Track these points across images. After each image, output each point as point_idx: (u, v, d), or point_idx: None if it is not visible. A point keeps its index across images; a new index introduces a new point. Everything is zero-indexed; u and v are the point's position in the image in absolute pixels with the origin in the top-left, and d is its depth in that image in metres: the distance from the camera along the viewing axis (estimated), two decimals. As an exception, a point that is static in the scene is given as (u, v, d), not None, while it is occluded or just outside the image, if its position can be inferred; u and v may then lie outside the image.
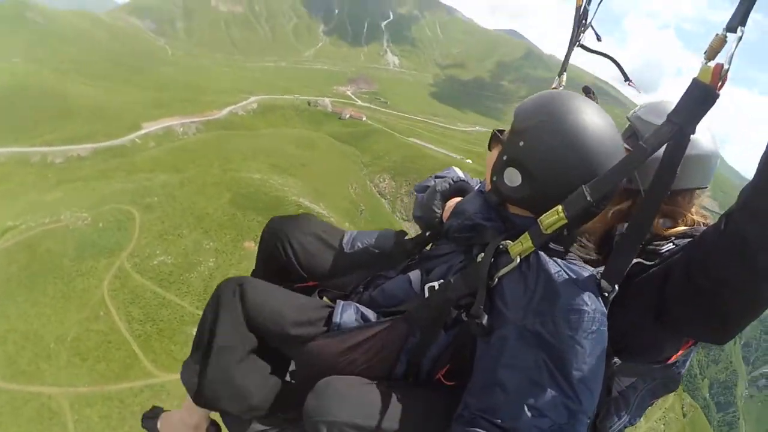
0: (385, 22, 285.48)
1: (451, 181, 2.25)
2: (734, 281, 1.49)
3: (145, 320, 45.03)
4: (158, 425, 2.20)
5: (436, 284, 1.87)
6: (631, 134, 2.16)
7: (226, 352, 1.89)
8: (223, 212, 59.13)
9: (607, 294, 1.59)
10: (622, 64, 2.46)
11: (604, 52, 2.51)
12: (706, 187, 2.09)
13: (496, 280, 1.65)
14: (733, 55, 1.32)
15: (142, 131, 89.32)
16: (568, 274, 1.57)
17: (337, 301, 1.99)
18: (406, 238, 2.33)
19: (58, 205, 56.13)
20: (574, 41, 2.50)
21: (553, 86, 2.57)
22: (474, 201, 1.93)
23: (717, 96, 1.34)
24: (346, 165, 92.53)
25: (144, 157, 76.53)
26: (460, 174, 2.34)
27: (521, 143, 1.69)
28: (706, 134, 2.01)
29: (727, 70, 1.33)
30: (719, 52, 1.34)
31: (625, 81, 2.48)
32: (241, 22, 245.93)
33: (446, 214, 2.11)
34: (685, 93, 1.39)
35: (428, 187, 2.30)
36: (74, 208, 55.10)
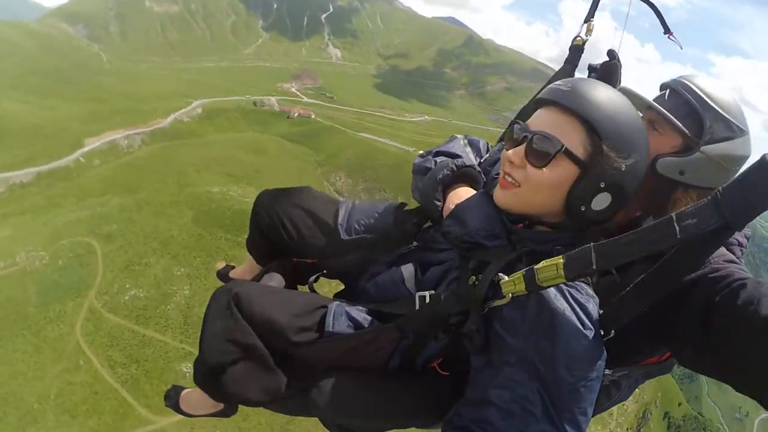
0: (325, 14, 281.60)
1: (454, 167, 2.00)
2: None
3: (129, 363, 43.61)
4: (180, 404, 2.26)
5: (427, 295, 1.78)
6: (690, 120, 1.85)
7: (228, 361, 1.82)
8: (188, 233, 57.65)
9: (604, 335, 1.50)
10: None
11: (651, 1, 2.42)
12: None
13: (486, 309, 1.58)
14: None
15: (86, 148, 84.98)
16: (572, 311, 1.46)
17: (329, 306, 1.91)
18: (405, 209, 2.21)
19: (10, 244, 53.45)
20: None
21: (578, 35, 2.50)
22: (478, 211, 1.77)
23: None
24: (300, 166, 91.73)
25: (91, 179, 72.96)
26: (467, 155, 2.18)
27: (624, 167, 1.53)
28: (749, 130, 1.84)
29: None
30: None
31: (665, 33, 2.40)
32: (177, 22, 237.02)
33: (446, 208, 1.92)
34: (748, 173, 1.11)
35: (428, 169, 2.07)
36: (29, 246, 52.54)
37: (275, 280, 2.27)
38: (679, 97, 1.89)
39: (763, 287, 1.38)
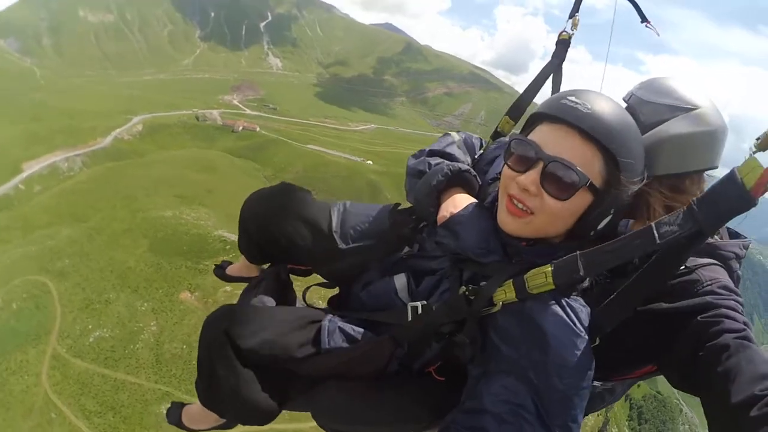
0: (264, 23, 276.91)
1: (449, 172, 1.89)
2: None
3: (104, 411, 42.16)
4: (182, 418, 2.29)
5: (419, 306, 1.77)
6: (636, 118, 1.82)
7: (235, 391, 1.83)
8: (146, 263, 55.95)
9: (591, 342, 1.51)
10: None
11: None
12: (716, 167, 1.82)
13: (479, 318, 1.59)
14: None
15: (24, 174, 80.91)
16: (565, 321, 1.46)
17: (322, 323, 1.91)
18: (400, 210, 2.15)
19: (-43, 289, 50.01)
20: None
21: (564, 30, 2.49)
22: (472, 226, 1.72)
23: (754, 203, 1.18)
24: (250, 183, 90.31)
25: (35, 208, 69.60)
26: (461, 151, 2.15)
27: (632, 190, 1.56)
28: (712, 107, 1.79)
29: None
30: None
31: (642, 22, 2.46)
32: (112, 32, 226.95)
33: (440, 216, 1.83)
34: (719, 184, 1.23)
35: (422, 172, 2.01)
36: None
37: (268, 300, 2.12)
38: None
39: (744, 355, 1.38)
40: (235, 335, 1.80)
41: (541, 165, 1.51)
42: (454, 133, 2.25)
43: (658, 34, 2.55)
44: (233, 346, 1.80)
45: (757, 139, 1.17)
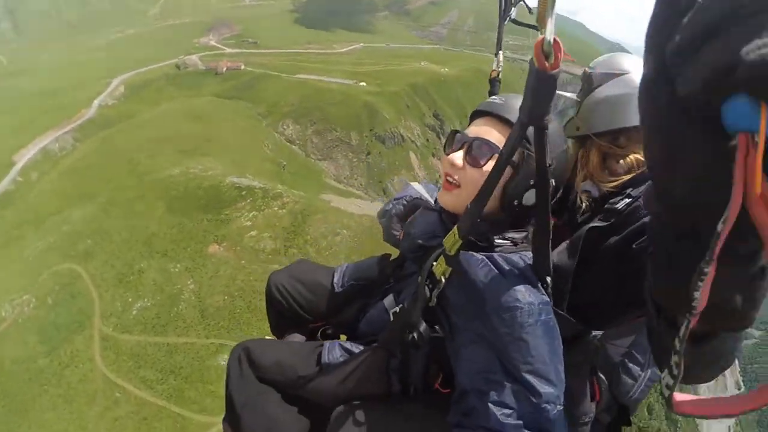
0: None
1: (405, 202, 2.32)
2: None
3: (165, 377, 42.56)
4: None
5: (397, 309, 2.01)
6: (582, 87, 2.24)
7: (248, 406, 2.06)
8: (168, 225, 54.84)
9: (545, 285, 1.62)
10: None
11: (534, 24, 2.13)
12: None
13: (435, 300, 1.68)
14: (552, 21, 1.10)
15: (18, 165, 76.67)
16: (495, 271, 1.61)
17: (324, 342, 2.14)
18: (391, 259, 2.41)
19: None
20: (505, 17, 2.67)
21: (493, 67, 2.81)
22: (420, 220, 2.02)
23: (551, 77, 1.21)
24: (247, 124, 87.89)
25: (39, 196, 67.01)
26: (416, 191, 2.36)
27: (552, 166, 1.66)
28: (636, 71, 2.06)
29: (550, 42, 1.14)
30: (547, 16, 1.11)
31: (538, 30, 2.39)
32: (72, 0, 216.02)
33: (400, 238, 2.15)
34: (527, 79, 1.28)
35: (387, 211, 2.40)
36: (11, 295, 48.74)
37: (296, 337, 2.53)
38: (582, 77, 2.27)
39: None
40: (253, 353, 2.14)
41: (466, 145, 1.83)
42: (414, 183, 2.48)
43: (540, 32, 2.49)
44: (249, 360, 2.13)
45: (537, 21, 1.14)
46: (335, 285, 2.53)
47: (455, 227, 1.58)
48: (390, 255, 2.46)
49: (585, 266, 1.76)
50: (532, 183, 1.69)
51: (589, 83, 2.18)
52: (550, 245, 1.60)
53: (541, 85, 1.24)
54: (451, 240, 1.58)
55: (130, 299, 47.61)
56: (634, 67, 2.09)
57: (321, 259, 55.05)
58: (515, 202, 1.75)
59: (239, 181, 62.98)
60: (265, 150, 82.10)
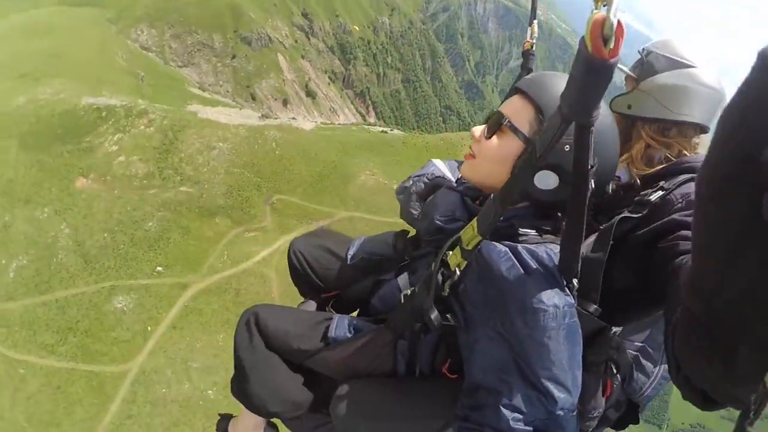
0: None
1: (426, 180, 2.24)
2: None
3: (64, 335, 41.20)
4: (228, 429, 2.50)
5: (409, 291, 1.87)
6: (638, 65, 2.18)
7: (256, 370, 2.07)
8: (25, 166, 50.27)
9: (570, 286, 1.52)
10: None
11: None
12: (705, 129, 2.05)
13: (448, 289, 1.63)
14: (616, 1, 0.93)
15: None
16: (518, 267, 1.51)
17: (333, 316, 2.12)
18: (406, 237, 2.34)
19: None
20: None
21: (527, 38, 2.73)
22: (441, 200, 1.95)
23: (606, 67, 1.01)
24: (95, 33, 78.52)
25: None
26: (439, 169, 2.33)
27: (567, 148, 1.50)
28: (710, 70, 2.02)
29: (614, 25, 0.95)
30: None
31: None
32: None
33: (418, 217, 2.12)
34: (573, 63, 1.08)
35: (406, 188, 2.29)
36: None
37: (311, 305, 2.50)
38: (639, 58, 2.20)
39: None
40: (262, 319, 2.10)
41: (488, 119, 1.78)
42: (436, 160, 2.44)
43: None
44: (258, 326, 2.09)
45: None
46: (349, 257, 2.46)
47: (474, 220, 1.50)
48: (407, 231, 2.38)
49: (610, 259, 1.65)
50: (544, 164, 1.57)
51: (650, 64, 2.10)
52: (581, 248, 1.48)
53: (592, 76, 1.05)
54: (470, 234, 1.51)
55: (2, 261, 43.75)
56: (700, 62, 2.03)
57: (200, 176, 52.58)
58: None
59: (96, 102, 57.60)
60: (120, 61, 75.03)
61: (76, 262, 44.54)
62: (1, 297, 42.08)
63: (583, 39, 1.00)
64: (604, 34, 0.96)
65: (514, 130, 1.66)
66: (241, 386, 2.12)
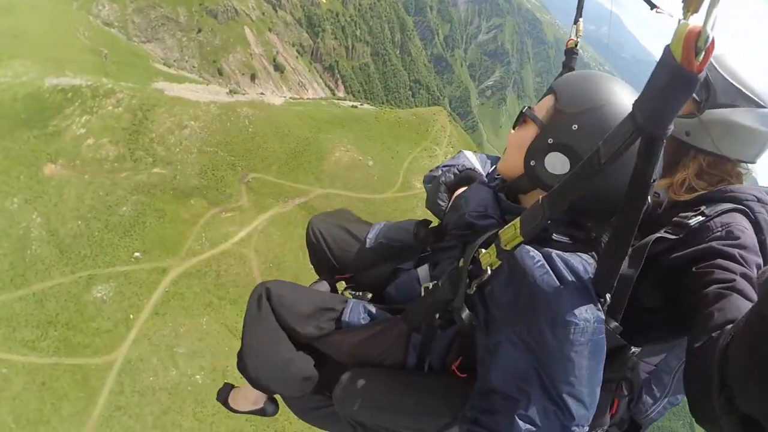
0: None
1: (457, 171, 2.22)
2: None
3: (44, 330, 40.29)
4: (228, 399, 2.51)
5: (430, 285, 1.86)
6: (707, 91, 1.96)
7: (264, 346, 2.03)
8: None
9: (602, 300, 1.47)
10: None
11: None
12: (755, 163, 2.00)
13: (474, 288, 1.60)
14: (715, 12, 0.92)
15: None
16: (555, 275, 1.46)
17: (348, 299, 2.10)
18: (428, 227, 2.26)
19: None
20: None
21: (571, 37, 2.68)
22: (473, 195, 1.87)
23: (694, 79, 0.99)
24: (54, 9, 74.93)
25: None
26: (470, 161, 2.31)
27: (575, 127, 1.57)
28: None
29: (709, 37, 0.94)
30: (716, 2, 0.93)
31: (651, 9, 2.48)
32: None
33: (447, 210, 2.09)
34: (654, 70, 1.06)
35: (434, 177, 2.27)
36: None
37: (323, 286, 2.46)
38: None
39: (719, 305, 1.46)
40: (274, 296, 2.05)
41: None
42: (467, 151, 2.41)
43: (671, 15, 2.33)
44: (269, 300, 2.05)
45: (683, 0, 0.97)
46: (368, 240, 2.40)
47: (517, 220, 1.44)
48: (429, 221, 2.30)
49: (639, 277, 1.58)
50: (551, 142, 1.62)
51: (715, 92, 1.92)
52: (622, 263, 1.45)
53: (677, 87, 1.02)
54: (510, 233, 1.45)
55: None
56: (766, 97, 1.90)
57: (172, 156, 51.31)
58: (531, 162, 1.66)
59: (60, 82, 55.41)
60: (82, 39, 71.68)
61: (51, 253, 43.53)
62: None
63: (668, 48, 0.99)
64: (698, 46, 0.95)
65: (532, 117, 1.69)
66: (246, 362, 2.05)
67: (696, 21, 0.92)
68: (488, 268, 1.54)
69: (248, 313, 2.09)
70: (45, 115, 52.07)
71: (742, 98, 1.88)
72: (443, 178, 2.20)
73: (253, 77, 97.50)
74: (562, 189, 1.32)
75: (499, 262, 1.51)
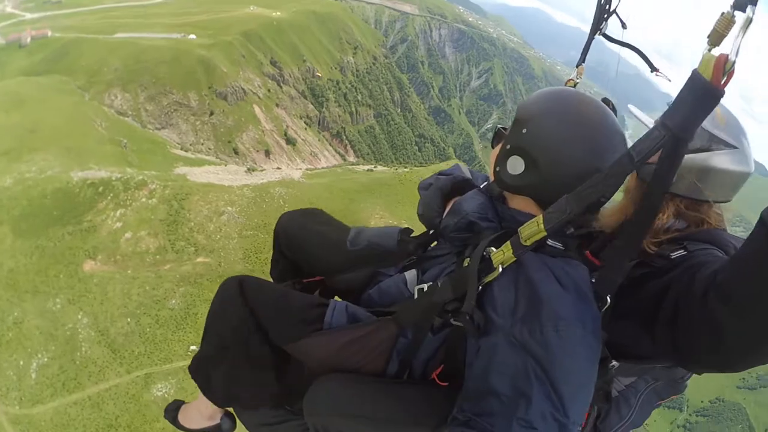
0: None
1: (454, 179, 2.25)
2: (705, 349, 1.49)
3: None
4: (178, 417, 2.38)
5: (425, 286, 1.87)
6: None
7: (229, 352, 1.97)
8: (24, 253, 48.10)
9: (600, 303, 1.58)
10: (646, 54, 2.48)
11: (627, 42, 2.48)
12: (730, 200, 2.02)
13: (480, 287, 1.62)
14: (740, 44, 1.17)
15: None
16: (556, 280, 1.54)
17: (330, 300, 2.03)
18: (411, 235, 2.30)
19: None
20: (596, 30, 2.54)
21: (571, 77, 2.65)
22: (472, 199, 1.91)
23: (720, 94, 1.22)
24: (67, 101, 75.76)
25: None
26: (465, 172, 2.35)
27: (524, 131, 1.70)
28: (749, 147, 1.95)
29: (734, 63, 1.19)
30: (725, 35, 1.22)
31: (652, 71, 2.50)
32: None
33: (446, 214, 2.06)
34: (683, 89, 1.27)
35: (431, 184, 2.26)
36: None
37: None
38: None
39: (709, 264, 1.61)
40: (248, 290, 1.98)
41: None
42: (462, 164, 2.51)
43: (669, 80, 2.55)
44: (242, 295, 1.96)
45: (708, 36, 1.23)
46: (349, 242, 2.36)
47: (541, 216, 1.49)
48: (412, 229, 2.34)
49: (617, 299, 1.63)
50: (508, 148, 1.74)
51: (698, 139, 1.90)
52: (630, 263, 1.56)
53: (706, 100, 1.23)
54: (533, 228, 1.49)
55: (21, 362, 40.88)
56: (742, 139, 1.93)
57: (214, 244, 51.15)
58: (497, 168, 1.78)
59: (87, 175, 55.29)
60: (99, 129, 71.70)
61: (103, 353, 42.06)
62: (26, 402, 39.20)
63: (696, 71, 1.21)
64: (726, 69, 1.17)
65: (500, 133, 1.87)
66: (206, 364, 1.98)
67: (716, 51, 1.17)
68: (500, 266, 1.57)
69: (216, 309, 2.03)
70: (78, 210, 51.64)
71: (714, 141, 1.90)
72: (440, 184, 2.22)
73: (267, 153, 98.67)
74: (590, 184, 1.41)
75: (513, 260, 1.55)
